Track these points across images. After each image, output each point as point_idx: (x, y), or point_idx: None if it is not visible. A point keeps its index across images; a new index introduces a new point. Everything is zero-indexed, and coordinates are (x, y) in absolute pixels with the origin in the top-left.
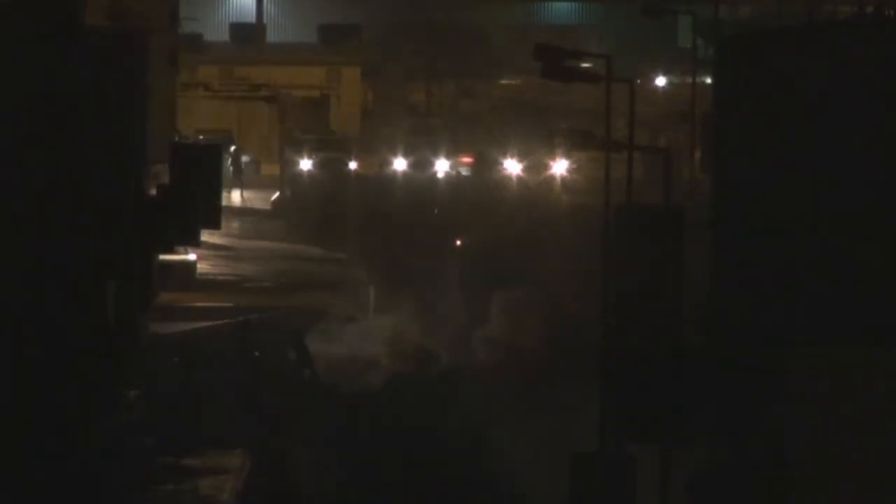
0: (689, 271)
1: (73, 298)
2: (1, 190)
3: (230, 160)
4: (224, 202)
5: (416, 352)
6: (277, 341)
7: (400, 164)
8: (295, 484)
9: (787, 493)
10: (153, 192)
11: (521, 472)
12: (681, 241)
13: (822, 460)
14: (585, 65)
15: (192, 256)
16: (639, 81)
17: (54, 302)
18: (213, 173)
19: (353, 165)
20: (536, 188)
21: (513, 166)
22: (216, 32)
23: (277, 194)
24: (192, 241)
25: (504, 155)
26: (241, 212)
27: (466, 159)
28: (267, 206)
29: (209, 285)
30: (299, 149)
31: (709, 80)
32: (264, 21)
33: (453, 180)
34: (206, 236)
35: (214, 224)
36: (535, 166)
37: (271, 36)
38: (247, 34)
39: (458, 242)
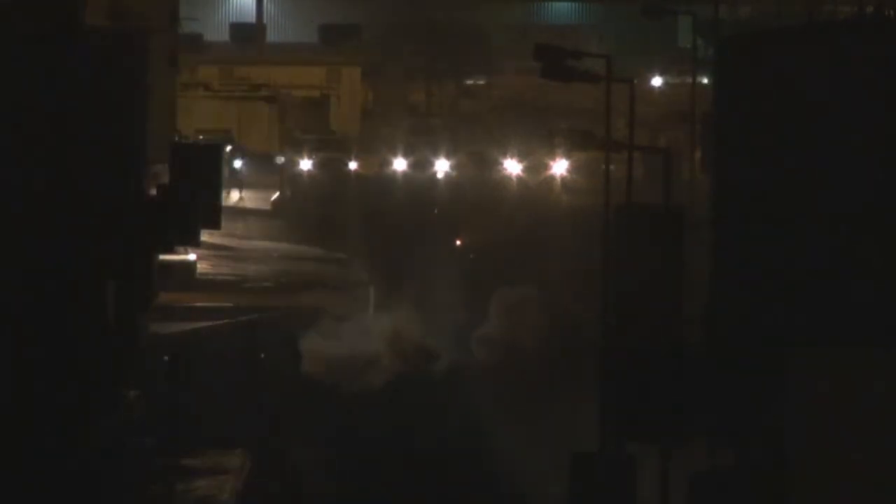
0: (689, 271)
1: (73, 298)
2: (1, 190)
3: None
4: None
5: (416, 351)
6: (277, 341)
7: (400, 164)
8: (296, 484)
9: (787, 493)
10: (153, 192)
11: (521, 472)
12: (681, 241)
13: (822, 460)
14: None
15: (192, 256)
16: (635, 81)
17: (54, 302)
18: (213, 173)
19: (353, 165)
20: (536, 188)
21: (513, 166)
22: (216, 32)
23: (277, 194)
24: (192, 241)
25: (504, 155)
26: (241, 212)
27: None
28: (265, 207)
29: (209, 285)
30: (299, 149)
31: (706, 81)
32: (264, 21)
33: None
34: (206, 236)
35: (214, 224)
36: (535, 166)
37: (271, 36)
38: (247, 34)
39: (458, 242)
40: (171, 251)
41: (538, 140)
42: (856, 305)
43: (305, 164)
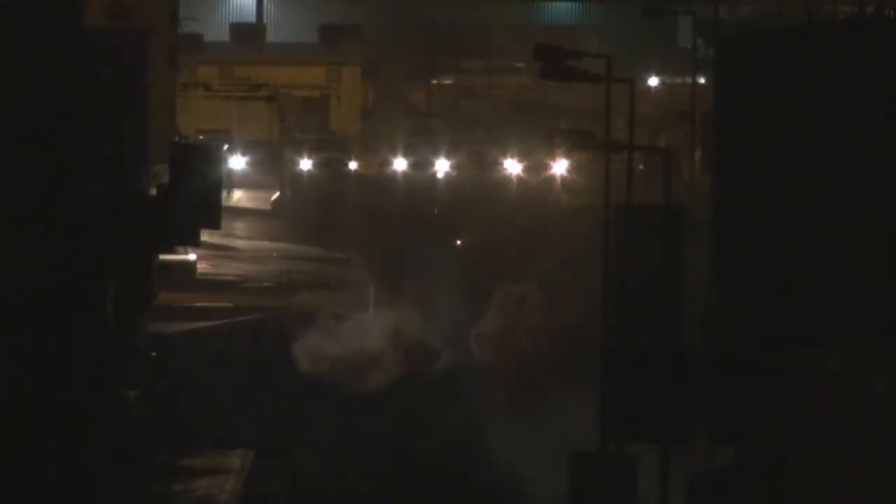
0: (689, 271)
1: (73, 298)
2: (1, 190)
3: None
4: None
5: (416, 350)
6: (268, 341)
7: (400, 164)
8: (296, 484)
9: (787, 493)
10: (153, 192)
11: (521, 472)
12: (681, 241)
13: (822, 460)
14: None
15: (192, 256)
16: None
17: (54, 302)
18: (212, 173)
19: (353, 165)
20: (536, 188)
21: (513, 166)
22: (216, 32)
23: (277, 194)
24: (192, 241)
25: (504, 155)
26: (240, 212)
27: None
28: (265, 207)
29: (209, 285)
30: (299, 149)
31: (703, 81)
32: (264, 21)
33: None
34: (206, 236)
35: (214, 224)
36: (535, 166)
37: (271, 36)
38: (247, 34)
39: (458, 242)
40: (171, 251)
41: (538, 140)
42: (856, 305)
43: (305, 164)
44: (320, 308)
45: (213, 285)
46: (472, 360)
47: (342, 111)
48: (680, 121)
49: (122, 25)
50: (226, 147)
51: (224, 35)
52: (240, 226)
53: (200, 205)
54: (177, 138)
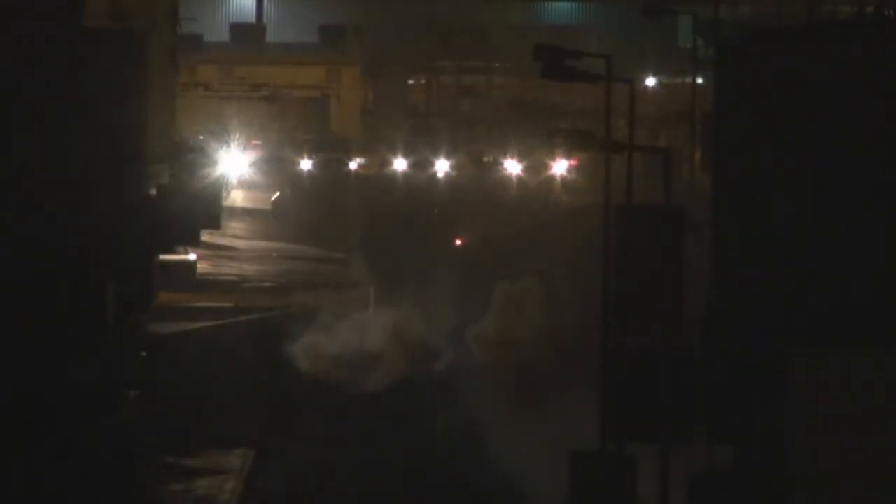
0: (689, 271)
1: (73, 298)
2: (1, 189)
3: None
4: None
5: (416, 349)
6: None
7: (400, 164)
8: (296, 484)
9: (787, 493)
10: (153, 192)
11: (519, 472)
12: (681, 241)
13: (822, 460)
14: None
15: (192, 256)
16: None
17: (54, 302)
18: (212, 173)
19: (353, 165)
20: (536, 188)
21: (513, 166)
22: (216, 32)
23: (277, 194)
24: (192, 241)
25: (504, 155)
26: (241, 212)
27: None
28: (265, 207)
29: (209, 285)
30: (299, 149)
31: (700, 81)
32: (264, 21)
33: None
34: (206, 236)
35: (214, 224)
36: (535, 166)
37: (271, 36)
38: (247, 34)
39: (458, 242)
40: (171, 251)
41: (538, 140)
42: (856, 305)
43: (305, 164)
44: (320, 308)
45: (213, 285)
46: (471, 359)
47: (342, 111)
48: (680, 121)
49: (122, 25)
50: (225, 147)
51: (224, 35)
52: (240, 226)
53: (200, 204)
54: (177, 138)
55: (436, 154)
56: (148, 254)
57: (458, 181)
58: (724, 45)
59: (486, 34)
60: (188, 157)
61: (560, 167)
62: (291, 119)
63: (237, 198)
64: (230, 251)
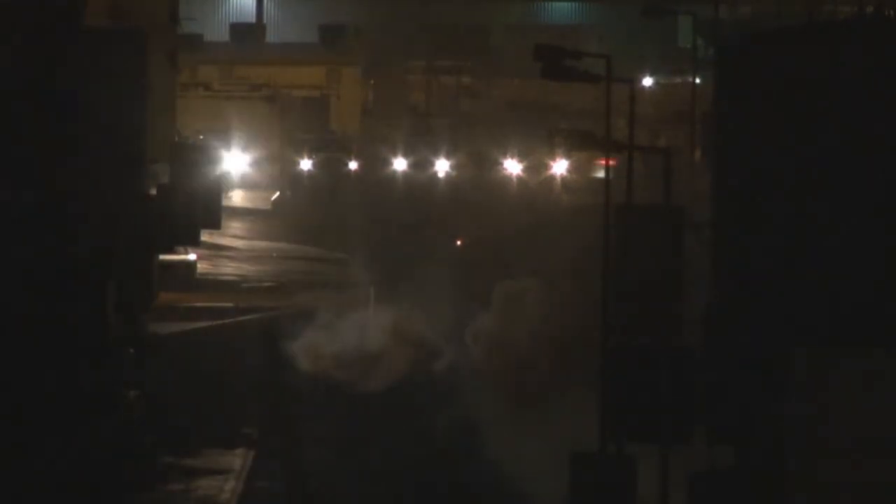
0: (689, 271)
1: (73, 298)
2: (1, 190)
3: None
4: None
5: (416, 349)
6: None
7: (400, 164)
8: (297, 483)
9: (787, 493)
10: (153, 191)
11: (519, 472)
12: (681, 241)
13: (823, 460)
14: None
15: (192, 256)
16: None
17: (55, 302)
18: (212, 173)
19: (353, 165)
20: (536, 188)
21: (513, 166)
22: (216, 32)
23: (277, 194)
24: (192, 241)
25: (504, 155)
26: (241, 212)
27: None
28: (265, 207)
29: (209, 285)
30: (299, 149)
31: (698, 81)
32: (264, 21)
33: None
34: (206, 236)
35: (214, 224)
36: (535, 166)
37: (271, 36)
38: (247, 34)
39: (459, 242)
40: (171, 251)
41: (538, 140)
42: (856, 305)
43: (305, 164)
44: (320, 308)
45: (213, 285)
46: (471, 359)
47: (342, 111)
48: (680, 121)
49: (122, 25)
50: (225, 147)
51: (224, 35)
52: (240, 226)
53: (200, 205)
54: (177, 138)
55: (436, 154)
56: (148, 254)
57: (459, 181)
58: (724, 45)
59: (486, 34)
60: (188, 157)
61: (560, 167)
62: (291, 119)
63: (237, 198)
64: (230, 251)
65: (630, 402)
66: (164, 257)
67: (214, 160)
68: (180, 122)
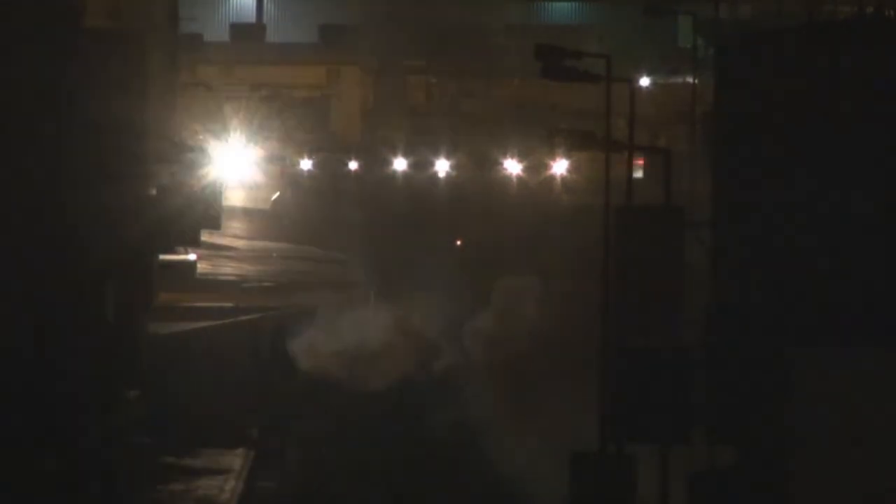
0: (689, 271)
1: (73, 298)
2: (1, 190)
3: None
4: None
5: (416, 348)
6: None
7: (400, 164)
8: (296, 483)
9: (787, 493)
10: (153, 192)
11: (519, 472)
12: (681, 241)
13: (823, 460)
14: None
15: (192, 256)
16: (633, 81)
17: (55, 302)
18: (212, 173)
19: (352, 165)
20: (536, 188)
21: (513, 166)
22: (216, 32)
23: (277, 194)
24: (192, 241)
25: (504, 155)
26: (241, 212)
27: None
28: (265, 207)
29: (209, 285)
30: (299, 149)
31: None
32: (264, 21)
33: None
34: (206, 236)
35: (214, 224)
36: (535, 166)
37: (271, 36)
38: (247, 34)
39: (459, 242)
40: (171, 251)
41: (538, 140)
42: (855, 305)
43: (305, 164)
44: (320, 307)
45: (213, 285)
46: (472, 357)
47: (342, 111)
48: (679, 121)
49: (122, 25)
50: (225, 147)
51: (224, 35)
52: (240, 226)
53: (200, 205)
54: (177, 138)
55: (436, 154)
56: (148, 254)
57: (458, 181)
58: (724, 45)
59: (486, 34)
60: (188, 157)
61: (560, 167)
62: (291, 119)
63: (237, 198)
64: (230, 251)
65: (630, 402)
66: (164, 257)
67: (214, 160)
68: (180, 122)
